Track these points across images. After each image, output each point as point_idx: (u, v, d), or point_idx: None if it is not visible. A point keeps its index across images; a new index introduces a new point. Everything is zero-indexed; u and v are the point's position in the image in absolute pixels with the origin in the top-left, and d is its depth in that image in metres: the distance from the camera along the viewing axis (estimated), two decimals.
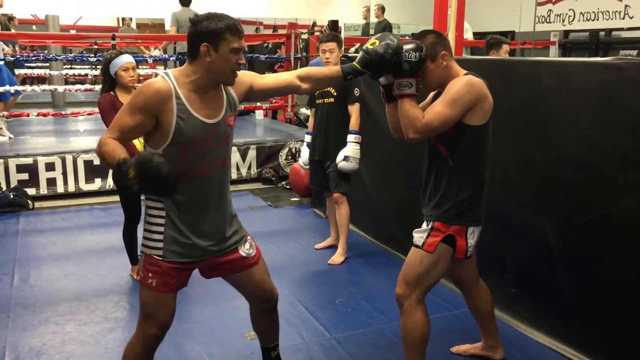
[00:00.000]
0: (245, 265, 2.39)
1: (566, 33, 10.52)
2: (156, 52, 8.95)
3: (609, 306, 2.82)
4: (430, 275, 2.52)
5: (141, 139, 3.77)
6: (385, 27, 11.21)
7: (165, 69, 12.43)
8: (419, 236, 2.54)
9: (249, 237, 2.43)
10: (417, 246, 2.53)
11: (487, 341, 2.96)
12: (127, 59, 3.73)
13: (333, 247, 4.55)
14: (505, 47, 5.30)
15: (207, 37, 2.07)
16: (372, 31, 11.57)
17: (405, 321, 2.56)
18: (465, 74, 2.44)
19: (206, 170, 2.22)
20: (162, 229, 2.22)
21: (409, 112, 2.37)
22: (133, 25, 14.39)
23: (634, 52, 9.59)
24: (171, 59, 8.84)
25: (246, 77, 2.35)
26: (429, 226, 2.51)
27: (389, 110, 2.57)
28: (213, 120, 2.19)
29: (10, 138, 7.00)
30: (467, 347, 3.03)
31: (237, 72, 2.20)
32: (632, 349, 2.73)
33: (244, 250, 2.39)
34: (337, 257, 4.37)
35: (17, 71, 9.73)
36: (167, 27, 12.26)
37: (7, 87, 6.92)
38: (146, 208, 2.28)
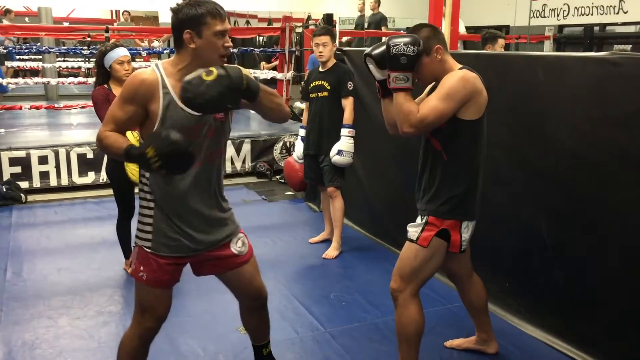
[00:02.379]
0: (237, 263, 2.37)
1: (560, 28, 10.54)
2: (156, 44, 8.90)
3: (603, 301, 2.83)
4: (425, 269, 2.52)
5: (135, 133, 3.78)
6: (380, 19, 11.19)
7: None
8: (413, 230, 2.54)
9: (241, 234, 2.39)
10: (411, 240, 2.53)
11: (480, 335, 2.97)
12: (122, 52, 3.71)
13: (327, 241, 4.55)
14: (501, 42, 5.29)
15: (189, 23, 2.06)
16: (366, 24, 11.55)
17: (399, 315, 2.56)
18: (460, 68, 2.43)
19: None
20: (151, 220, 2.22)
21: (403, 106, 2.36)
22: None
23: (628, 47, 9.61)
24: (165, 51, 8.79)
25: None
26: (423, 220, 2.51)
27: (384, 106, 2.57)
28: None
29: None
30: (461, 341, 3.04)
31: (225, 56, 2.15)
32: (625, 344, 2.74)
33: (236, 248, 2.36)
34: (332, 251, 4.37)
35: (9, 64, 9.66)
36: (161, 19, 12.22)
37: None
38: (139, 199, 2.28)
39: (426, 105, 2.36)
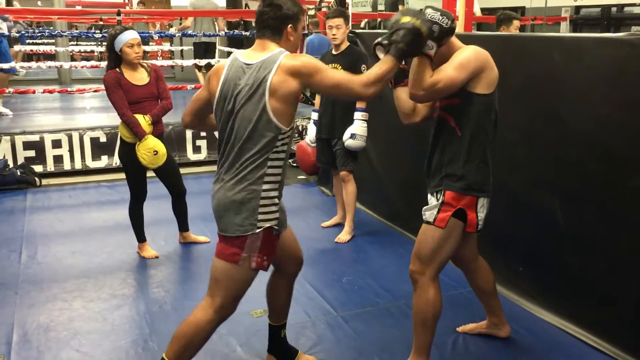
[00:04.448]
0: None
1: (577, 9, 10.36)
2: (172, 30, 8.96)
3: (617, 286, 2.80)
4: (443, 250, 2.52)
5: (146, 117, 3.78)
6: (396, 1, 11.06)
7: (171, 45, 12.36)
8: (429, 213, 2.53)
9: None
10: (428, 222, 2.52)
11: (491, 319, 2.96)
12: (131, 35, 3.69)
13: (340, 226, 4.55)
14: (516, 23, 5.22)
15: (293, 19, 2.28)
16: (380, 6, 11.45)
17: (418, 298, 2.55)
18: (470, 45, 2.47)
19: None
20: (277, 198, 2.28)
21: (420, 70, 2.35)
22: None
23: None
24: (177, 35, 8.78)
25: None
26: (439, 200, 2.50)
27: (397, 95, 2.58)
28: None
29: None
30: (473, 326, 3.03)
31: None
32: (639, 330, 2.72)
33: None
34: (344, 236, 4.36)
35: (18, 47, 9.70)
36: (173, 2, 12.19)
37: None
38: (263, 176, 2.23)
39: (438, 72, 2.38)
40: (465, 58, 2.38)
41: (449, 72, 2.36)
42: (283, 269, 2.59)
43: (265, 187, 2.23)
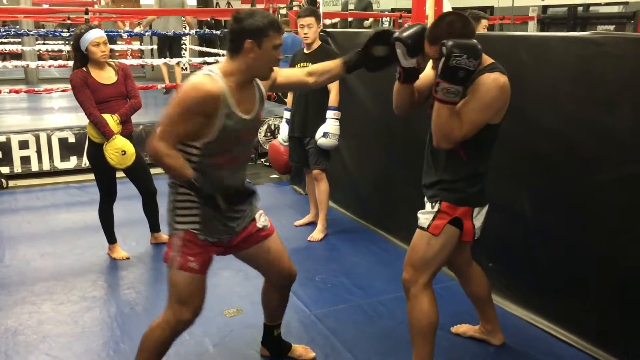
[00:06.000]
0: (261, 236, 2.46)
1: (544, 8, 10.54)
2: (138, 29, 8.81)
3: (585, 280, 2.86)
4: (437, 258, 2.44)
5: (114, 117, 3.73)
6: (366, 6, 11.13)
7: (141, 44, 12.21)
8: (424, 218, 2.45)
9: (261, 211, 2.50)
10: (422, 228, 2.45)
11: (485, 325, 2.92)
12: (97, 34, 3.64)
13: (313, 224, 4.55)
14: (484, 22, 5.28)
15: (252, 34, 2.11)
16: (351, 6, 11.48)
17: (411, 308, 2.46)
18: (492, 67, 2.31)
19: (237, 158, 2.32)
20: (197, 204, 2.25)
21: (447, 122, 2.24)
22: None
23: (612, 27, 9.64)
24: (147, 34, 8.67)
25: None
26: (435, 208, 2.42)
27: (399, 88, 2.46)
28: (250, 116, 2.25)
29: None
30: (467, 328, 3.00)
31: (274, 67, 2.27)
32: (607, 323, 2.77)
33: (260, 222, 2.47)
34: (317, 234, 4.37)
35: None
36: (143, 1, 12.05)
37: None
38: (173, 186, 2.27)
39: (466, 121, 2.25)
40: (493, 99, 2.26)
41: (477, 118, 2.25)
42: (268, 278, 2.62)
43: (180, 190, 2.25)
